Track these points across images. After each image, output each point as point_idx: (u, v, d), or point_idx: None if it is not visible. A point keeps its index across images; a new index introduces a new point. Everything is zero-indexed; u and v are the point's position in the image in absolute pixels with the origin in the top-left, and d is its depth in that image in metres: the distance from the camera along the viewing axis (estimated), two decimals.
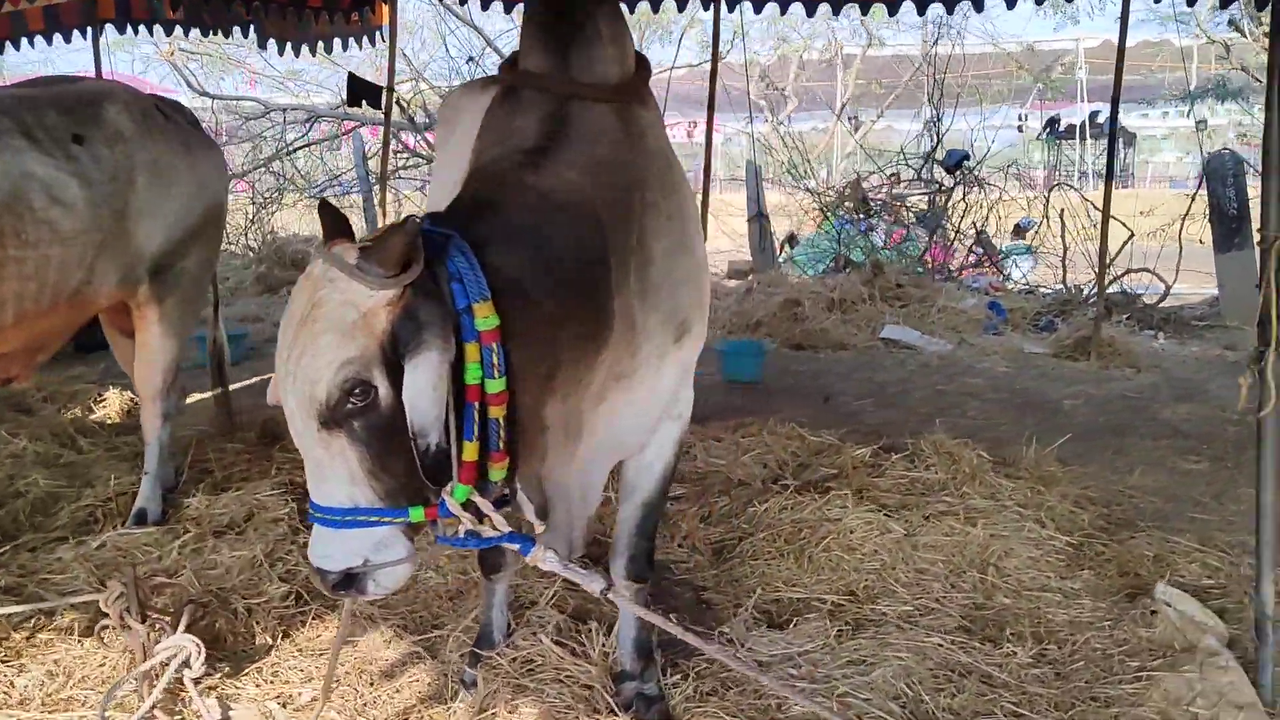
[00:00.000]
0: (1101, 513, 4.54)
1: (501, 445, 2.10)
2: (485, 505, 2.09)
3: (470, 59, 12.22)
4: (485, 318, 2.00)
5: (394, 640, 3.39)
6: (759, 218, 11.00)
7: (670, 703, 2.98)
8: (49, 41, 8.25)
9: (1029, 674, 3.19)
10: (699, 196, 8.44)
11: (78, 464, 4.86)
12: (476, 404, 2.03)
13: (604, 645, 3.08)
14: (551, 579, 3.49)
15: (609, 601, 2.22)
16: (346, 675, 3.20)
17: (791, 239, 11.40)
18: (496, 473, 2.13)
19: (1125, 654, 3.33)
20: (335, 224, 2.07)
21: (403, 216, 2.03)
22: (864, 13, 7.72)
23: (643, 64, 2.70)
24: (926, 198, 11.39)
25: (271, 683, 3.18)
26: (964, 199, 11.08)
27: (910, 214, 11.42)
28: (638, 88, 2.63)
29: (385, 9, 7.91)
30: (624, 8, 2.84)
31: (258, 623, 3.45)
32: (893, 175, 12.06)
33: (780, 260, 11.34)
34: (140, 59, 14.84)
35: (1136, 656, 3.31)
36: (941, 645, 3.28)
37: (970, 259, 10.94)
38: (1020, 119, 22.78)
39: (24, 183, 3.56)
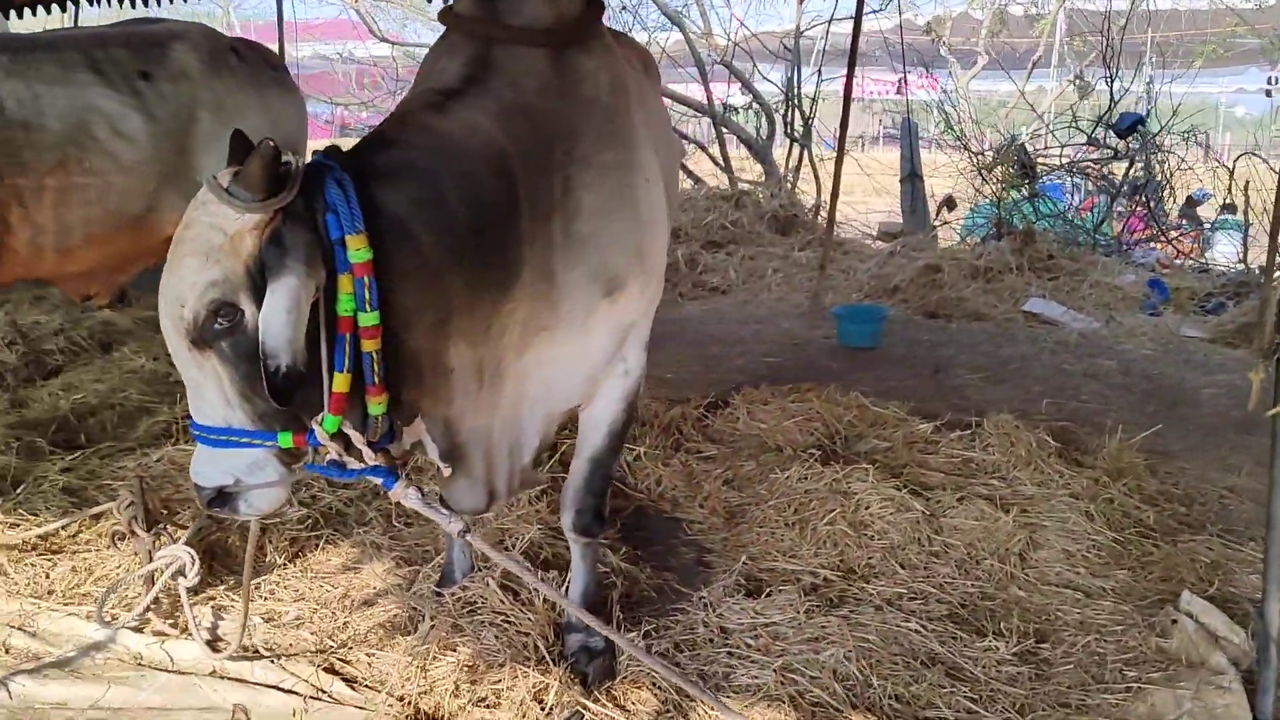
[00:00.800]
0: (1175, 511, 4.19)
1: (377, 380, 2.11)
2: (356, 438, 2.12)
3: (624, 7, 12.18)
4: (357, 250, 2.02)
5: (391, 570, 3.55)
6: (911, 178, 10.54)
7: (620, 659, 3.00)
8: None
9: (1003, 671, 3.02)
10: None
11: (180, 382, 5.26)
12: (349, 336, 2.05)
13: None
14: (530, 527, 3.57)
15: (469, 543, 2.24)
16: (332, 598, 3.38)
17: (949, 202, 10.87)
18: (375, 407, 2.15)
19: (1125, 662, 3.11)
20: (240, 152, 2.09)
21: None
22: None
23: (593, 5, 2.63)
24: (1142, 164, 10.52)
25: (265, 599, 3.39)
26: (1145, 167, 10.24)
27: (1118, 180, 10.58)
28: (580, 32, 2.55)
29: None
30: None
31: (270, 542, 3.67)
32: (1091, 140, 11.26)
33: (936, 224, 10.85)
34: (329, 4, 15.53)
35: (1137, 666, 3.08)
36: (918, 632, 3.15)
37: (1142, 228, 10.12)
38: (1270, 82, 20.65)
39: (89, 115, 3.87)
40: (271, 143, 1.94)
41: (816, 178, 11.11)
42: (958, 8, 16.61)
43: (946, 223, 10.93)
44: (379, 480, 2.18)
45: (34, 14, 10.11)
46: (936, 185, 11.42)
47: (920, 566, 3.56)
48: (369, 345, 2.08)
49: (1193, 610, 3.25)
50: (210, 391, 2.08)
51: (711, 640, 3.13)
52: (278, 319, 1.95)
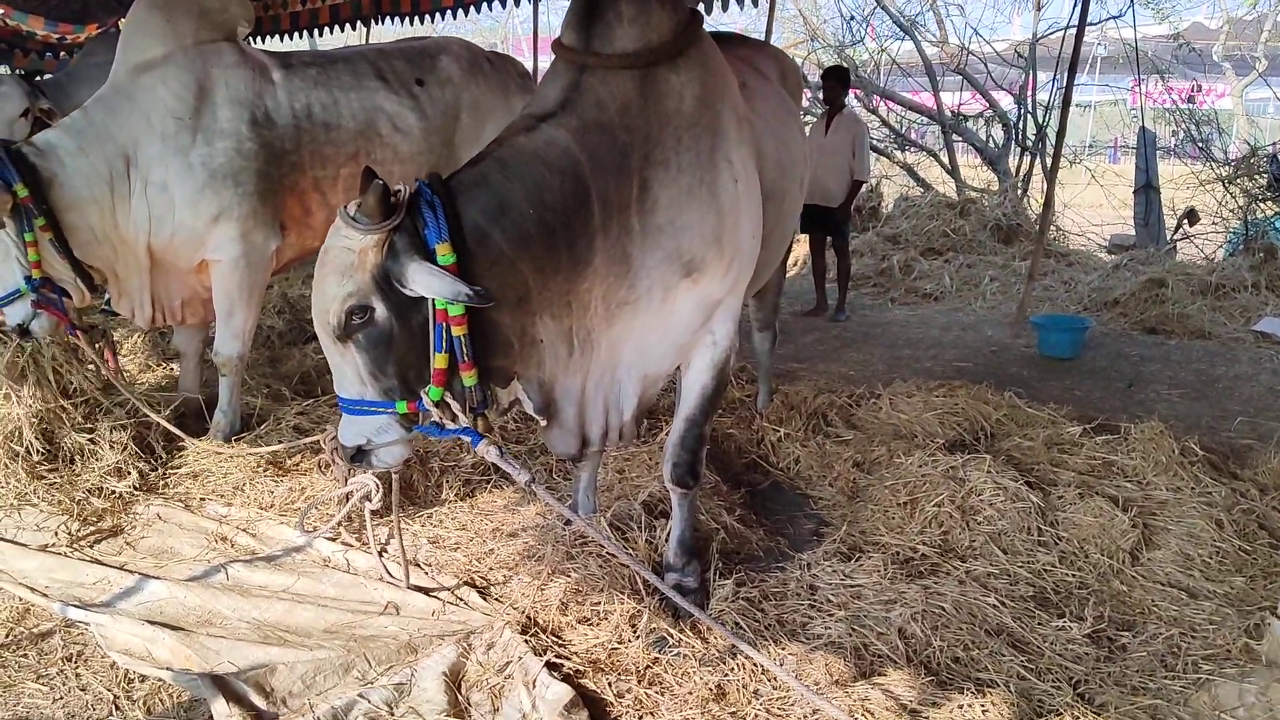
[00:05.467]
0: None
1: (466, 358, 2.62)
2: (454, 405, 2.66)
3: (853, 18, 12.30)
4: (444, 255, 2.52)
5: (538, 512, 4.08)
6: (1146, 190, 10.07)
7: (710, 600, 3.39)
8: (503, 6, 9.90)
9: (1069, 649, 3.17)
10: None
11: None
12: (444, 324, 2.58)
13: (649, 538, 3.55)
14: (653, 482, 3.99)
15: (533, 491, 2.72)
16: (486, 530, 3.96)
17: (1191, 215, 10.26)
18: (468, 379, 2.66)
19: (1204, 657, 3.17)
20: (365, 183, 2.59)
21: None
22: None
23: (691, 26, 2.98)
24: None
25: (435, 526, 4.02)
26: None
27: None
28: (669, 51, 2.90)
29: None
30: None
31: (446, 482, 4.31)
32: None
33: (1176, 238, 10.31)
34: None
35: (1215, 662, 3.15)
36: (994, 606, 3.34)
37: None
38: None
39: (375, 115, 4.74)
40: (380, 180, 2.48)
41: (1049, 186, 10.83)
42: (1238, 9, 15.44)
43: (1188, 236, 10.37)
44: (468, 439, 2.69)
45: (330, 33, 11.65)
46: (1179, 198, 10.84)
47: (1022, 553, 3.71)
48: (457, 330, 2.58)
49: None
50: (349, 373, 2.68)
51: (799, 594, 3.46)
52: (430, 282, 2.48)
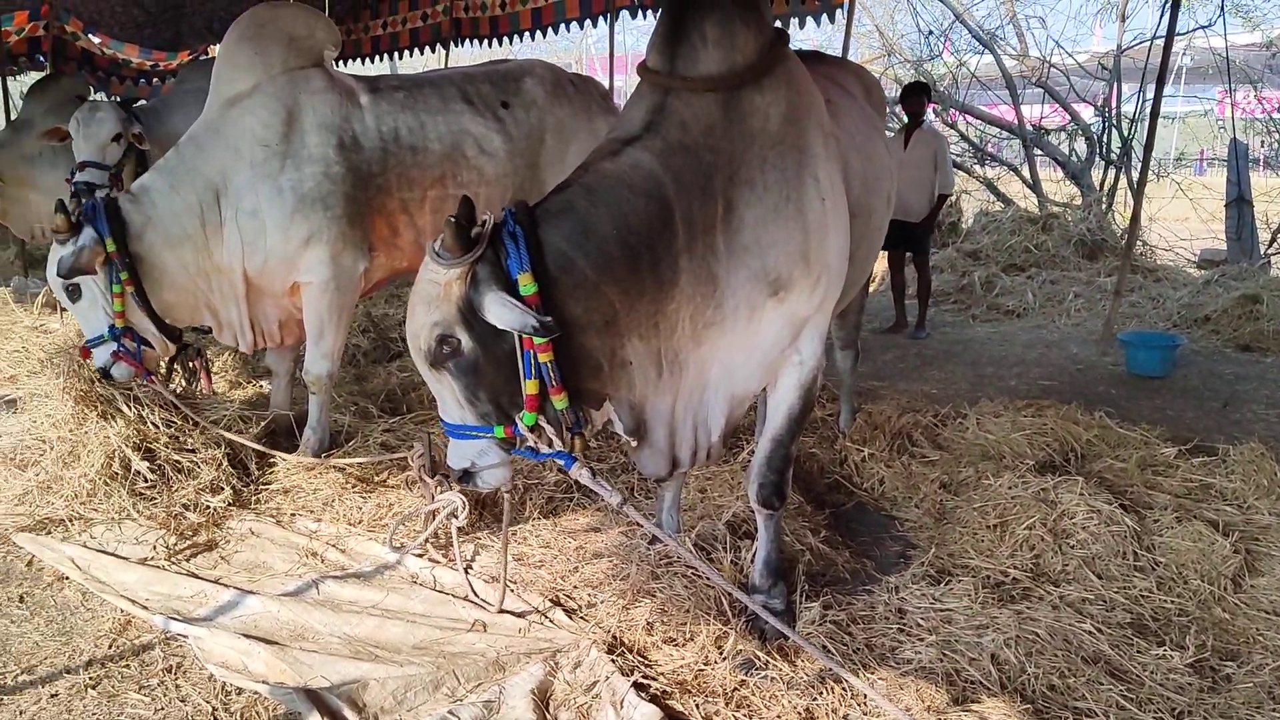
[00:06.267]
0: None
1: (555, 383, 2.63)
2: (549, 429, 2.68)
3: (931, 32, 12.13)
4: (526, 285, 2.54)
5: (622, 531, 4.09)
6: (1239, 203, 9.77)
7: (796, 623, 3.36)
8: (580, 26, 10.04)
9: (1170, 679, 3.07)
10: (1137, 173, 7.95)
11: None
12: (532, 351, 2.59)
13: (734, 559, 3.53)
14: (737, 502, 3.98)
15: (624, 513, 2.72)
16: (570, 549, 3.97)
17: None
18: (558, 403, 2.67)
19: None
20: (458, 213, 2.61)
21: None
22: None
23: (776, 47, 2.98)
24: None
25: (520, 544, 4.05)
26: None
27: None
28: (754, 73, 2.90)
29: None
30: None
31: (530, 499, 4.34)
32: None
33: (1270, 252, 9.97)
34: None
35: None
36: (1090, 633, 3.26)
37: None
38: None
39: (462, 137, 4.79)
40: (453, 218, 2.51)
41: (1137, 200, 10.58)
42: None
43: None
44: (561, 461, 2.71)
45: (410, 56, 11.91)
46: (1273, 211, 10.50)
47: (1118, 578, 3.61)
48: (544, 357, 2.59)
49: None
50: (448, 398, 2.73)
51: (887, 618, 3.41)
52: (502, 314, 2.50)
